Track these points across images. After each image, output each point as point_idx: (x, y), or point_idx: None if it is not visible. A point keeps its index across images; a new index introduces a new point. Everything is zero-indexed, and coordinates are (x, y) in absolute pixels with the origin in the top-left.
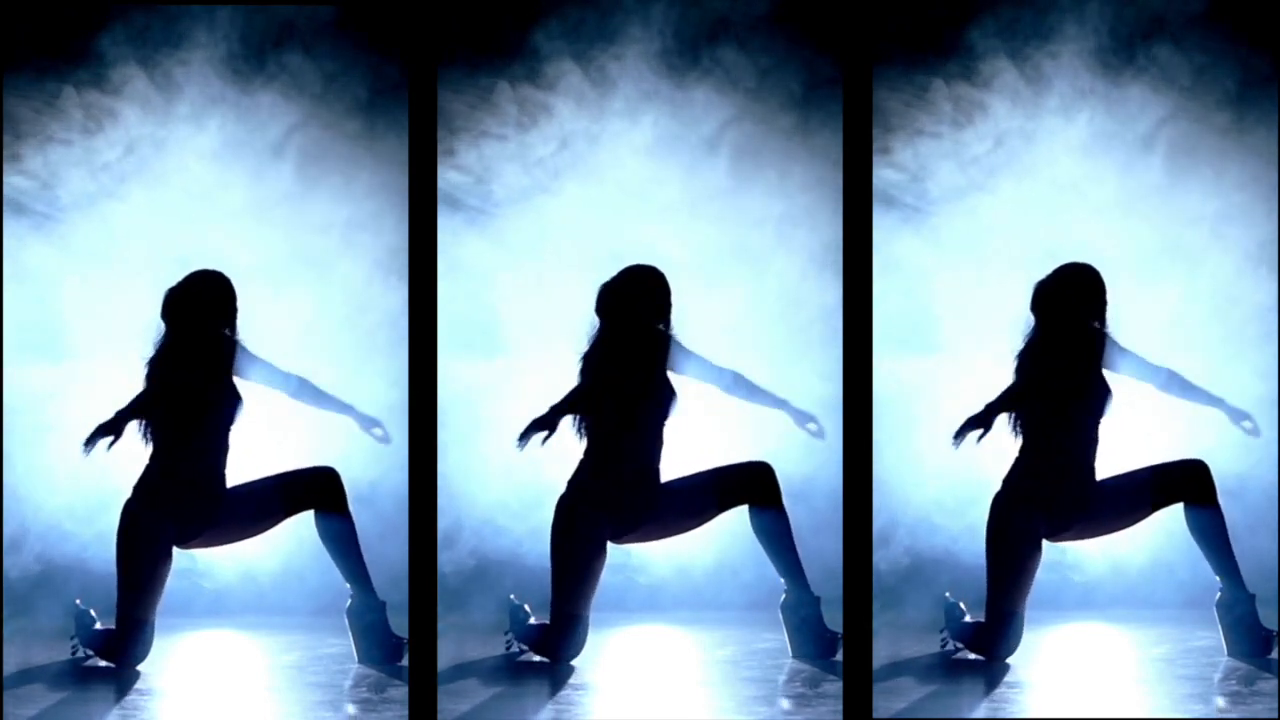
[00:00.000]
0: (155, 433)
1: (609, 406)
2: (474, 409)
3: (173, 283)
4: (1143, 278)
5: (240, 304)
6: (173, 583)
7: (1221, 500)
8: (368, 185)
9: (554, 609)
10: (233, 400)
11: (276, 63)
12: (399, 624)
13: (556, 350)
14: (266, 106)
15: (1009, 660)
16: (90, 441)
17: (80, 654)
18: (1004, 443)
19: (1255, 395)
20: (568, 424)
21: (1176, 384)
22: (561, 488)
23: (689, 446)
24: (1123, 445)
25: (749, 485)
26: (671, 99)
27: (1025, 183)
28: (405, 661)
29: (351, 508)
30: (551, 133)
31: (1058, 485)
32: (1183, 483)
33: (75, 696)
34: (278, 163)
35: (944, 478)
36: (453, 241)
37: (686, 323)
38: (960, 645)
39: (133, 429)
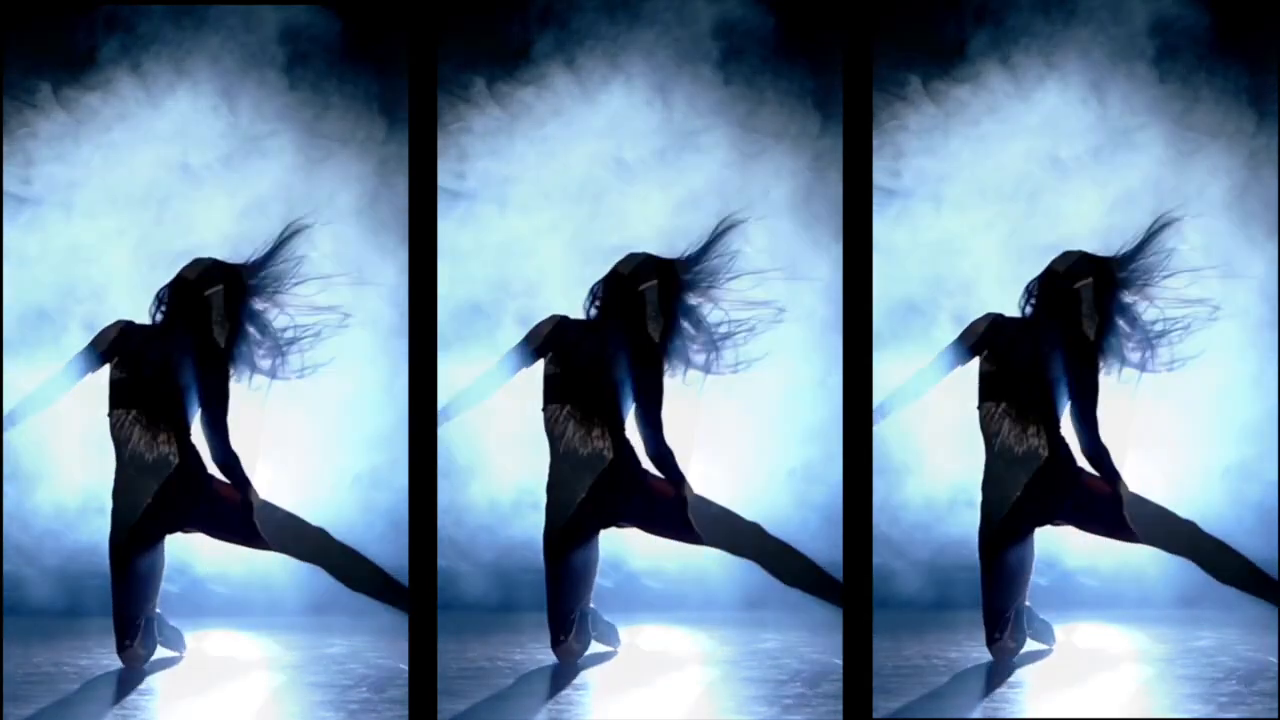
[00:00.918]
0: (139, 423)
1: (596, 399)
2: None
3: (169, 278)
4: None
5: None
6: (173, 583)
7: (1221, 500)
8: (367, 185)
9: (551, 608)
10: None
11: (276, 63)
12: (400, 622)
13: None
14: (263, 105)
15: (1008, 660)
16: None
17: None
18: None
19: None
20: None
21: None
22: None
23: (686, 446)
24: (1115, 442)
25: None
26: (669, 98)
27: (1011, 178)
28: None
29: (351, 508)
30: (547, 131)
31: (1042, 472)
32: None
33: (75, 696)
34: (276, 161)
35: (944, 477)
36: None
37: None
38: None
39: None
